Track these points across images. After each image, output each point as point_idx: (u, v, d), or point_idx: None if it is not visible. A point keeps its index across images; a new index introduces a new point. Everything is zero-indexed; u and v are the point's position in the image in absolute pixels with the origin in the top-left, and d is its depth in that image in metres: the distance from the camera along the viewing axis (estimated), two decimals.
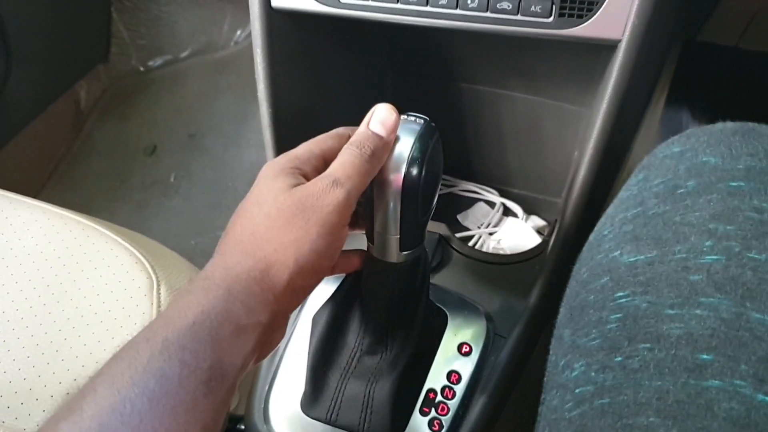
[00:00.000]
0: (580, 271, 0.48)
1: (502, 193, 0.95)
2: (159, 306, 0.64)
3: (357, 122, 0.50)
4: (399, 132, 0.48)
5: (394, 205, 0.48)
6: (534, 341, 0.66)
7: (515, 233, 0.85)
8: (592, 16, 0.55)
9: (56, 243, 0.69)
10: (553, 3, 0.56)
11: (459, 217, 0.93)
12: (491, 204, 0.94)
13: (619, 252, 0.44)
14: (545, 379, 0.47)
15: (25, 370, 0.60)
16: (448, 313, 0.66)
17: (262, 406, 0.63)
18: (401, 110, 0.52)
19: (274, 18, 0.65)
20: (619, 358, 0.40)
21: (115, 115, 1.60)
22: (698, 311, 0.38)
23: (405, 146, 0.48)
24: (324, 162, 0.47)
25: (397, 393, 0.57)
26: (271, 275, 0.41)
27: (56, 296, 0.65)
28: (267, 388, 0.64)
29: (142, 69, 1.65)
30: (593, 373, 0.41)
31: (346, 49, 0.79)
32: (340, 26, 0.66)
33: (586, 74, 0.72)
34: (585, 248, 0.49)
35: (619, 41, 0.56)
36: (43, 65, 1.41)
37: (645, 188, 0.47)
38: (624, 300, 0.42)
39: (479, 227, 0.90)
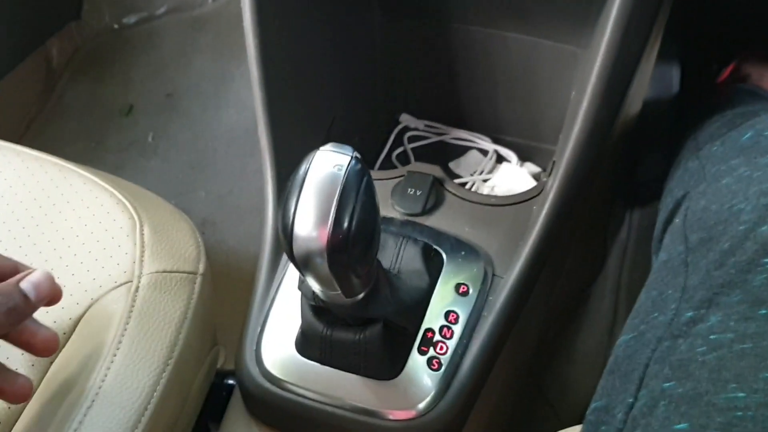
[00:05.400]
0: (720, 240, 0.47)
1: (495, 141, 0.92)
2: (143, 246, 0.60)
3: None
4: (321, 180, 0.41)
5: (321, 267, 0.43)
6: (533, 281, 0.64)
7: (510, 179, 0.83)
8: None
9: (31, 185, 0.65)
10: None
11: (451, 165, 0.91)
12: (484, 152, 0.91)
13: (765, 225, 0.45)
14: (651, 334, 0.47)
15: None
16: (444, 255, 0.64)
17: (254, 348, 0.60)
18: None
19: None
20: (764, 311, 0.41)
21: (88, 74, 1.54)
22: None
23: (327, 200, 0.41)
24: None
25: (389, 336, 0.55)
26: None
27: (32, 238, 0.62)
28: (259, 330, 0.61)
29: (116, 27, 1.59)
30: (732, 323, 0.42)
31: None
32: None
33: (582, 11, 0.70)
34: (715, 221, 0.50)
35: None
36: (10, 22, 1.35)
37: None
38: None
39: (472, 175, 0.88)
